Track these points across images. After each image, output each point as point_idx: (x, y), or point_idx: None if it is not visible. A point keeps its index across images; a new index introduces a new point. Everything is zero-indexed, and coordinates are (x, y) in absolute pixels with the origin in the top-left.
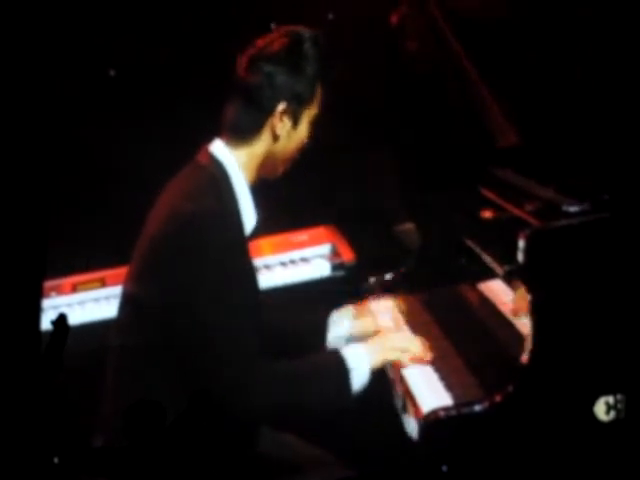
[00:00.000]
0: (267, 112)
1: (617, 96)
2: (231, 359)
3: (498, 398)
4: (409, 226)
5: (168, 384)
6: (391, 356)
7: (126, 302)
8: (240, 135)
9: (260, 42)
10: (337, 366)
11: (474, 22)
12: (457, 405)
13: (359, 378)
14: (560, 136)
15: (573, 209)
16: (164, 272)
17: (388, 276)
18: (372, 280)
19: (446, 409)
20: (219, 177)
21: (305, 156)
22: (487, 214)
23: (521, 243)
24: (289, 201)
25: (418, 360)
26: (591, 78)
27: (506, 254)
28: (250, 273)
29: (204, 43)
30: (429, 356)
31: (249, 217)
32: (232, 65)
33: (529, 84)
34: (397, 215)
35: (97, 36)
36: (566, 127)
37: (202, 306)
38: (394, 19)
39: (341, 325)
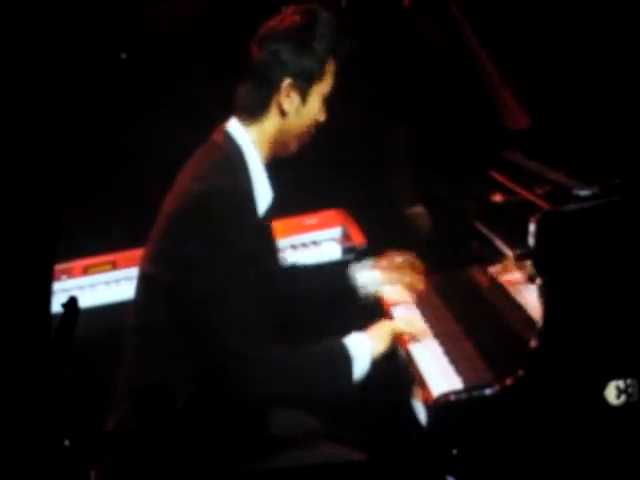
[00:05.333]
0: (273, 88)
1: (628, 79)
2: (237, 340)
3: (508, 382)
4: (420, 210)
5: (179, 366)
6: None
7: (141, 283)
8: (250, 112)
9: (271, 22)
10: (340, 355)
11: (486, 3)
12: (467, 389)
13: (360, 367)
14: (571, 119)
15: (584, 193)
16: (177, 251)
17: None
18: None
19: (456, 393)
20: (233, 156)
21: (316, 138)
22: (498, 198)
23: (532, 227)
24: (300, 184)
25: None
26: (602, 61)
27: (517, 238)
28: (263, 252)
29: (216, 24)
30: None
31: (264, 196)
32: (243, 46)
33: (541, 66)
34: (408, 198)
35: (108, 19)
36: (577, 110)
37: (210, 286)
38: (406, 1)
39: (367, 273)
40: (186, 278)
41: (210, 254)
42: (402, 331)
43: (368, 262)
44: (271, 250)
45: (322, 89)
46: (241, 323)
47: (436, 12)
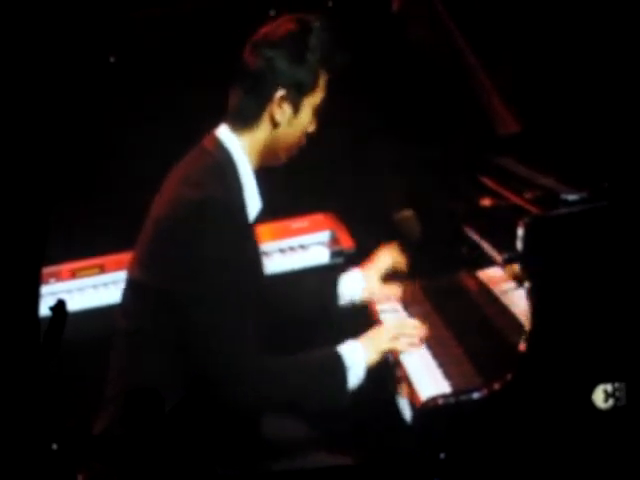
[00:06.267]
0: (266, 98)
1: (617, 85)
2: (226, 351)
3: (497, 386)
4: (409, 214)
5: (168, 371)
6: (387, 346)
7: (129, 287)
8: (241, 120)
9: (265, 28)
10: (334, 365)
11: (475, 8)
12: (456, 393)
13: (355, 376)
14: (560, 124)
15: (572, 197)
16: (167, 257)
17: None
18: None
19: (445, 397)
20: (224, 163)
21: (306, 142)
22: (487, 202)
23: (520, 231)
24: (289, 187)
25: (415, 345)
26: (592, 66)
27: (505, 242)
28: (252, 261)
29: (204, 28)
30: (424, 337)
31: (254, 203)
32: (231, 50)
33: (530, 71)
34: (398, 202)
35: (97, 22)
36: (566, 115)
37: (199, 294)
38: (395, 5)
39: (353, 285)
40: (177, 284)
41: (202, 261)
42: (398, 345)
43: (354, 271)
44: (260, 257)
45: (314, 100)
46: (232, 331)
47: (426, 17)
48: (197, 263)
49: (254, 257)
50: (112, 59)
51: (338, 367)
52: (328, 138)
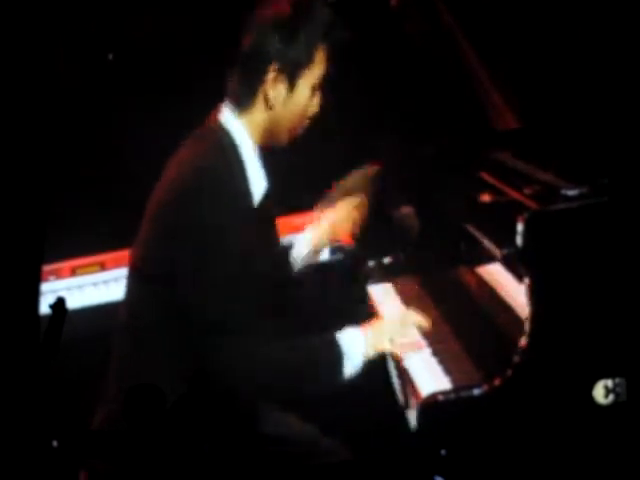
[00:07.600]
0: (259, 78)
1: (617, 80)
2: (222, 334)
3: (497, 382)
4: (408, 210)
5: (169, 365)
6: (387, 346)
7: (130, 275)
8: (238, 102)
9: (259, 7)
10: (330, 350)
11: (474, 2)
12: (456, 389)
13: (352, 363)
14: (560, 119)
15: (572, 193)
16: (165, 237)
17: (387, 260)
18: (371, 264)
19: (445, 393)
20: (225, 142)
21: (306, 138)
22: (486, 198)
23: (520, 226)
24: (288, 184)
25: (414, 347)
26: (591, 60)
27: (505, 238)
28: (254, 241)
29: (200, 22)
30: (427, 332)
31: (257, 183)
32: (228, 43)
33: (529, 66)
34: (396, 199)
35: (95, 20)
36: (566, 110)
37: (195, 275)
38: (394, 0)
39: (302, 241)
40: (173, 266)
41: (204, 242)
42: (396, 348)
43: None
44: (269, 240)
45: (310, 79)
46: (227, 315)
47: (425, 11)
48: (199, 244)
49: (260, 239)
50: (110, 56)
51: (334, 353)
52: (326, 134)
